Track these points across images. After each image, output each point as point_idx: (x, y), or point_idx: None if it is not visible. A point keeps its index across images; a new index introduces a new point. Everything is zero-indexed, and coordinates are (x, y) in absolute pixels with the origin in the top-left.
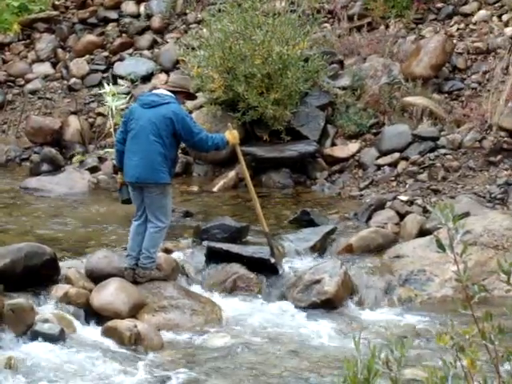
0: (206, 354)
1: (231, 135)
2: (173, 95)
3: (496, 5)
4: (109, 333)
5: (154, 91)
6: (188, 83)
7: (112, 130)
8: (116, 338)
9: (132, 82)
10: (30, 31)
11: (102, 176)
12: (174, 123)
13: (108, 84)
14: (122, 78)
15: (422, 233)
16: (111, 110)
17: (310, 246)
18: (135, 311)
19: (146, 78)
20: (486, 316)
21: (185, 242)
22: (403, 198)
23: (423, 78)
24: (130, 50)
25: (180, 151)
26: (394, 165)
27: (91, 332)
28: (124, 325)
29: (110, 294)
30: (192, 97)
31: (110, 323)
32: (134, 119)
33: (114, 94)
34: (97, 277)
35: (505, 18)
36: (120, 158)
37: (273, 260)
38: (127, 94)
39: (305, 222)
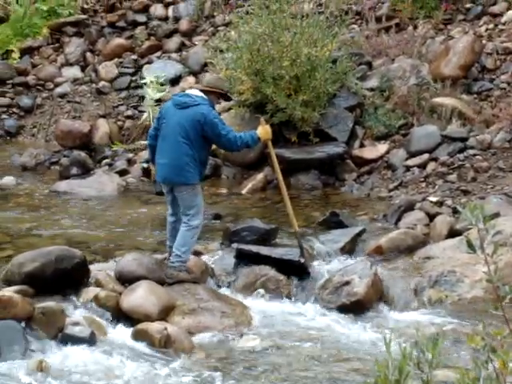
0: (237, 357)
1: (264, 130)
2: (204, 96)
3: None
4: (139, 335)
5: (187, 91)
6: (222, 83)
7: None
8: (146, 340)
9: (161, 85)
10: (59, 35)
11: (131, 179)
12: (202, 125)
13: (144, 78)
14: (151, 81)
15: (452, 234)
16: (152, 101)
17: (339, 247)
18: (165, 314)
19: (175, 81)
20: None
21: (214, 245)
22: (433, 199)
23: (452, 78)
24: (159, 53)
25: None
26: (423, 166)
27: (121, 335)
28: (154, 327)
29: (140, 296)
30: (226, 97)
31: (140, 326)
32: (165, 119)
33: (152, 82)
34: (126, 279)
35: None
36: (152, 152)
37: (302, 260)
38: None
39: (334, 223)
